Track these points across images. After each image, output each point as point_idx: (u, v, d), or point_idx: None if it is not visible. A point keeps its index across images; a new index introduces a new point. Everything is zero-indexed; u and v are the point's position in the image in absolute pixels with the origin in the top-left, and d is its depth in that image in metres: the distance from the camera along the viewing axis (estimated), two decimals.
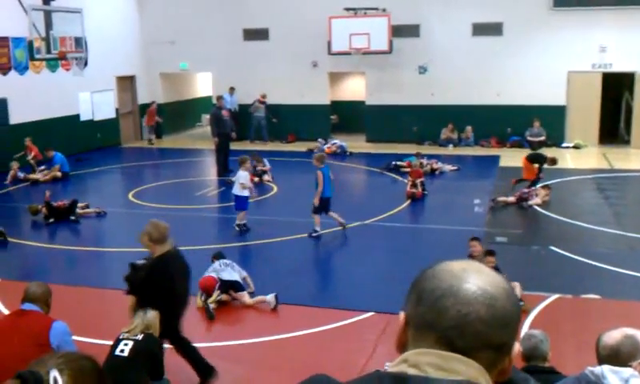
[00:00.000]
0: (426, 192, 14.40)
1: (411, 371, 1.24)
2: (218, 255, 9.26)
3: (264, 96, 22.35)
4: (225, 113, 17.25)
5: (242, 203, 11.95)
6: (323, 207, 11.58)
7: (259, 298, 8.56)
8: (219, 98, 17.77)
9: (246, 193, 11.89)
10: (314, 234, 11.55)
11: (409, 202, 13.96)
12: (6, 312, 8.02)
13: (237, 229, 11.89)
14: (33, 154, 17.44)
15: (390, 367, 1.30)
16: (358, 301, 8.47)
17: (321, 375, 1.33)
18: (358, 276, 9.58)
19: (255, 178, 15.16)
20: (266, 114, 22.39)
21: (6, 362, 4.37)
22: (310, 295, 8.85)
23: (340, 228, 11.71)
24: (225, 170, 17.20)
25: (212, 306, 8.37)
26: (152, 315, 5.76)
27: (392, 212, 13.16)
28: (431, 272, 1.34)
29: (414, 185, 14.31)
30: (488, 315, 1.26)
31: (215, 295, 8.47)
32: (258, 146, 21.13)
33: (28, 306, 4.71)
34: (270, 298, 8.45)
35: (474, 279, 1.29)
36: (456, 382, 1.21)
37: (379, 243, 11.42)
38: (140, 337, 5.54)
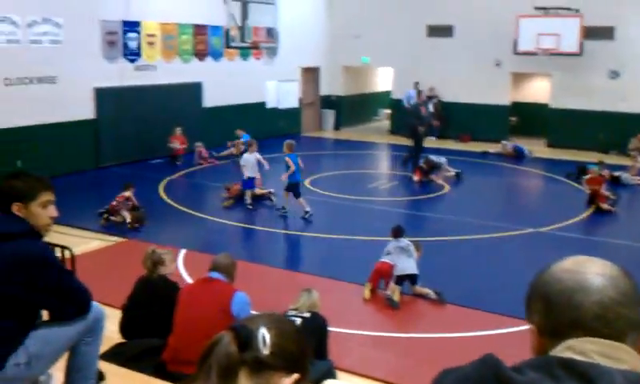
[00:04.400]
0: (614, 209, 13.40)
1: (579, 358, 1.28)
2: (398, 231, 9.12)
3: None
4: (423, 109, 16.92)
5: (246, 184, 13.19)
6: (293, 191, 12.35)
7: (426, 289, 8.67)
8: (420, 93, 17.38)
9: (250, 175, 13.06)
10: (307, 216, 12.20)
11: (590, 211, 13.26)
12: (189, 279, 8.77)
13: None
14: (178, 144, 17.53)
15: (553, 353, 1.33)
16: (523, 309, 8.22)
17: (492, 356, 1.34)
18: (525, 283, 9.29)
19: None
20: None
21: (192, 322, 4.85)
22: (478, 298, 8.74)
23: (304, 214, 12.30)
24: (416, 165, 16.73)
25: (390, 294, 8.46)
26: (316, 295, 5.98)
27: (570, 221, 12.58)
28: (547, 277, 1.40)
29: (594, 194, 13.53)
30: (619, 295, 1.32)
31: (397, 291, 8.48)
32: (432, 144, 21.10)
33: (214, 275, 5.14)
34: (432, 292, 8.56)
35: (592, 269, 1.36)
36: (625, 371, 1.24)
37: (553, 252, 10.97)
38: (308, 315, 5.73)
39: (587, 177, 14.45)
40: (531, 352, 1.43)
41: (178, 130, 17.61)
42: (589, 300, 1.32)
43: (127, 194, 11.98)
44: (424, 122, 16.79)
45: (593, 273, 1.36)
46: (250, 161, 13.14)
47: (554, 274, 1.40)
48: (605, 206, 13.30)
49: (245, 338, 1.53)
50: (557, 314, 1.36)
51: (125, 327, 5.68)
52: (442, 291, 8.56)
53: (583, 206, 13.53)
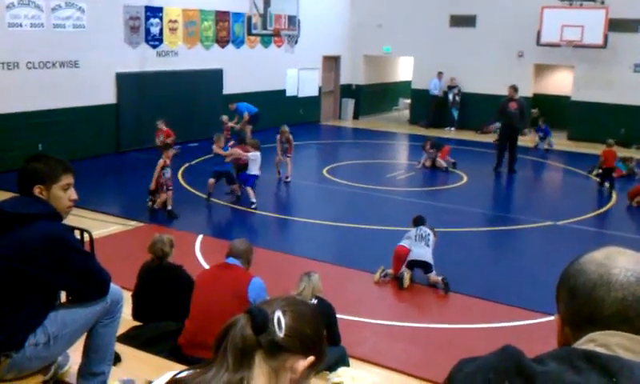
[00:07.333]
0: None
1: (600, 350, 1.25)
2: (419, 220, 9.30)
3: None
4: (512, 105, 16.16)
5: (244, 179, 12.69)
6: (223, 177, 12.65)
7: (438, 277, 8.69)
8: (511, 87, 16.46)
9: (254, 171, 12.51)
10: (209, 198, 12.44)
11: (611, 204, 13.18)
12: (205, 264, 8.83)
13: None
14: (164, 135, 15.09)
15: (577, 345, 1.31)
16: (538, 302, 8.18)
17: (512, 346, 1.32)
18: (542, 276, 9.25)
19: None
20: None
21: (208, 307, 4.89)
22: (493, 289, 8.72)
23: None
24: (499, 165, 16.17)
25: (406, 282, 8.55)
26: (316, 278, 5.72)
27: (589, 215, 12.49)
28: (576, 267, 1.35)
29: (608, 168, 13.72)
30: None
31: (407, 278, 8.62)
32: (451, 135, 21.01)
33: (231, 261, 5.18)
34: (440, 281, 8.60)
35: (621, 262, 1.30)
36: None
37: (570, 246, 10.91)
38: (313, 301, 5.56)
39: (603, 150, 14.29)
40: (556, 341, 1.41)
41: (161, 123, 15.49)
42: (610, 296, 1.28)
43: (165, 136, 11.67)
44: (513, 119, 16.06)
45: (620, 267, 1.30)
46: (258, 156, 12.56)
47: (582, 265, 1.35)
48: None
49: (260, 320, 1.55)
50: (577, 306, 1.32)
51: (138, 313, 5.74)
52: (447, 279, 8.58)
53: (602, 197, 13.46)
